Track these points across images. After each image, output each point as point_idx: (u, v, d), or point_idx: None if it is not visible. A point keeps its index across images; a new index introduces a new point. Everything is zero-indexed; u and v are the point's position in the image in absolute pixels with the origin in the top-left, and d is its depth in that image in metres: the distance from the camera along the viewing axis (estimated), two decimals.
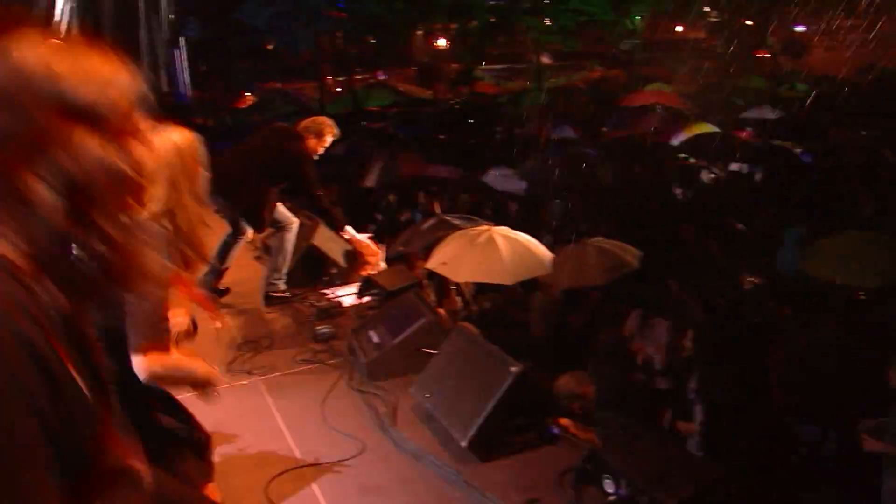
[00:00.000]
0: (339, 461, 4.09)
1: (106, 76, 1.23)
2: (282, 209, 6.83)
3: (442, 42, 40.68)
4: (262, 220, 6.53)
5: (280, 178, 6.53)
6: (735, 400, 6.45)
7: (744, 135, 15.64)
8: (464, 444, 3.88)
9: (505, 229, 7.69)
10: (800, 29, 42.43)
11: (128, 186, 1.26)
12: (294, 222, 6.86)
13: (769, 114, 19.11)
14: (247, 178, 6.35)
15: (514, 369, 3.95)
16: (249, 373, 5.29)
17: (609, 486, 3.34)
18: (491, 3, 29.33)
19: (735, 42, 34.59)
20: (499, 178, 12.15)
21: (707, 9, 35.11)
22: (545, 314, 8.27)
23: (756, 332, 7.43)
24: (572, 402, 5.03)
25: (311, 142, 6.49)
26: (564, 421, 4.42)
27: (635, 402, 6.99)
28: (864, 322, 6.89)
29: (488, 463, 3.94)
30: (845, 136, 14.89)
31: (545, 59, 36.15)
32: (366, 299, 6.44)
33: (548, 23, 29.57)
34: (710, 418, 6.52)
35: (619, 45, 35.61)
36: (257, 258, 8.35)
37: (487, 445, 3.93)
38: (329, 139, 6.61)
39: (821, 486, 6.78)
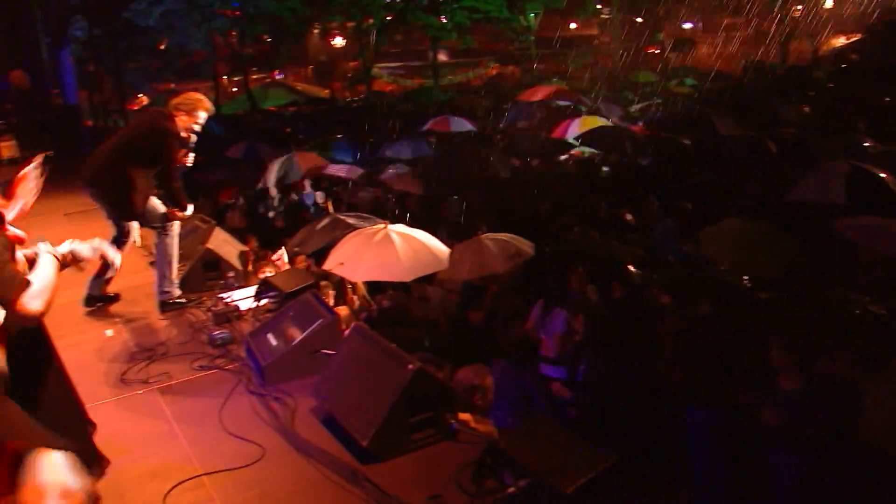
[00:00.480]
0: (239, 468, 4.02)
1: None
2: (157, 205, 6.58)
3: (339, 40, 40.48)
4: (132, 206, 6.26)
5: (146, 159, 6.25)
6: (623, 383, 6.65)
7: (636, 128, 16.05)
8: (364, 443, 3.86)
9: (401, 227, 7.73)
10: (687, 26, 43.87)
11: None
12: (173, 225, 6.64)
13: (659, 108, 19.66)
14: (114, 162, 6.13)
15: (411, 367, 3.95)
16: (144, 382, 5.14)
17: (508, 478, 3.39)
18: (387, 1, 29.31)
19: (626, 39, 35.51)
20: (397, 176, 12.16)
21: (599, 6, 35.86)
22: (444, 309, 8.35)
23: (644, 318, 7.68)
24: (473, 395, 5.09)
25: (182, 118, 6.29)
26: (464, 416, 4.45)
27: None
28: (746, 306, 7.18)
29: (390, 462, 3.94)
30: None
31: (442, 57, 36.34)
32: (263, 302, 6.33)
33: (443, 21, 29.72)
34: (600, 402, 6.72)
35: (514, 42, 36.06)
36: (152, 263, 8.12)
37: (388, 444, 3.92)
38: (202, 115, 6.38)
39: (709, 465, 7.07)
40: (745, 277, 8.09)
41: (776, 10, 34.23)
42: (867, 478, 5.70)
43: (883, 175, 9.34)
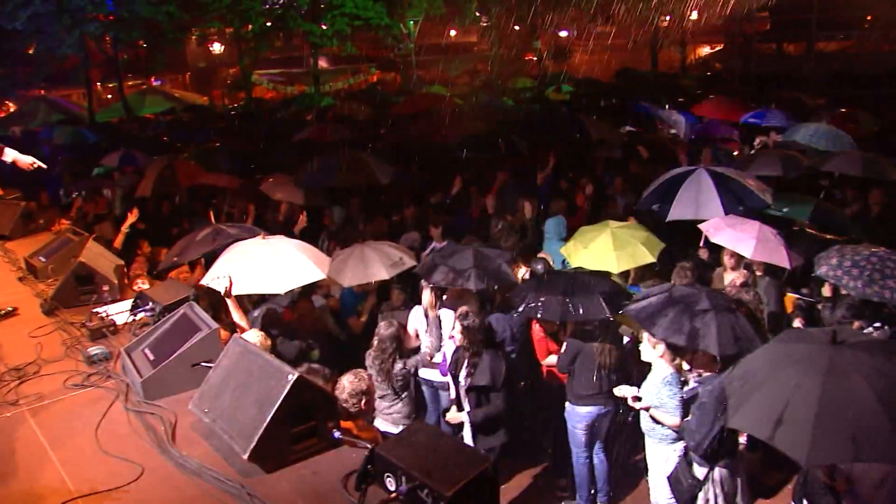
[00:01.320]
0: (117, 488, 3.92)
1: None
2: None
3: (217, 47, 39.69)
4: None
5: None
6: (502, 385, 6.82)
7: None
8: (245, 456, 3.84)
9: (279, 238, 7.70)
10: (563, 34, 45.03)
11: None
12: None
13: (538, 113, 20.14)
14: None
15: (290, 376, 3.95)
16: (14, 403, 4.95)
17: (391, 484, 3.44)
18: (266, 7, 28.93)
19: (505, 46, 36.18)
20: (277, 186, 12.03)
21: (478, 14, 36.41)
22: (325, 317, 8.35)
23: (524, 320, 7.88)
24: (356, 401, 5.12)
25: None
26: (347, 423, 4.49)
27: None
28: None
29: (273, 473, 3.93)
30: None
31: (322, 63, 36.13)
32: (140, 316, 6.20)
33: (323, 27, 29.58)
34: (480, 405, 6.87)
35: (395, 49, 36.22)
36: (20, 279, 7.83)
37: (270, 456, 3.91)
38: None
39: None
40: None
41: (646, 19, 35.51)
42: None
43: (741, 179, 9.83)
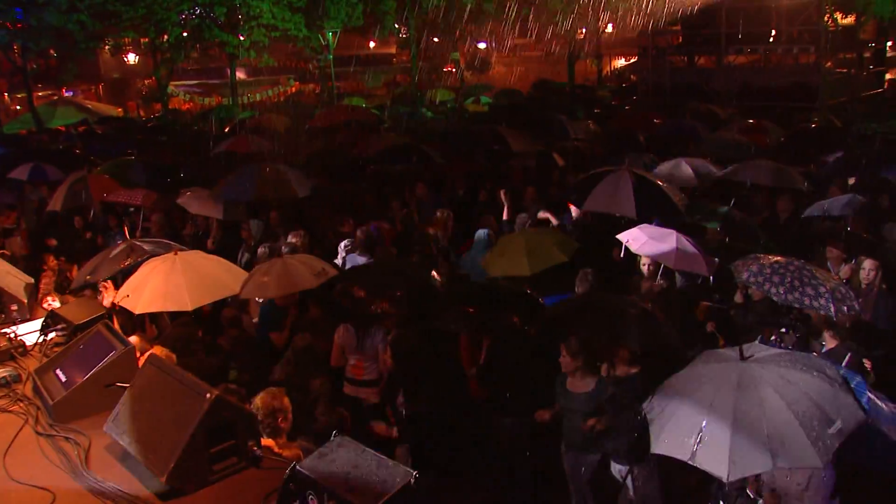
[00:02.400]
0: None
1: None
2: None
3: (132, 57, 38.81)
4: None
5: None
6: (435, 403, 6.84)
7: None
8: (163, 479, 3.76)
9: (193, 254, 7.59)
10: (482, 46, 45.49)
11: None
12: None
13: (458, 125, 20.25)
14: None
15: (208, 395, 3.89)
16: None
17: (313, 502, 3.40)
18: (182, 17, 28.40)
19: (424, 58, 36.31)
20: (194, 200, 11.81)
21: (397, 26, 36.48)
22: (245, 334, 8.24)
23: (447, 337, 7.90)
24: (272, 420, 5.06)
25: None
26: (267, 441, 4.43)
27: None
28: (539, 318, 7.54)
29: (191, 495, 3.85)
30: None
31: (240, 75, 35.69)
32: (51, 335, 6.00)
33: (241, 38, 29.22)
34: (413, 422, 6.87)
35: (313, 61, 36.00)
36: None
37: (189, 477, 3.83)
38: None
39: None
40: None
41: (563, 32, 36.10)
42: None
43: (661, 184, 10.10)
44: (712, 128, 16.99)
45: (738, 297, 8.57)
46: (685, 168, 11.73)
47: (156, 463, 3.87)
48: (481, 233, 10.57)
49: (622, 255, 9.70)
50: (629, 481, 6.18)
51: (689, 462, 4.34)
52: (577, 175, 12.70)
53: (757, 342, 7.50)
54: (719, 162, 12.99)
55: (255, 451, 4.05)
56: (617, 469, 6.27)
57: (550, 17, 34.23)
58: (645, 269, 9.00)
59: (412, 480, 3.31)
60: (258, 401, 5.12)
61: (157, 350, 6.01)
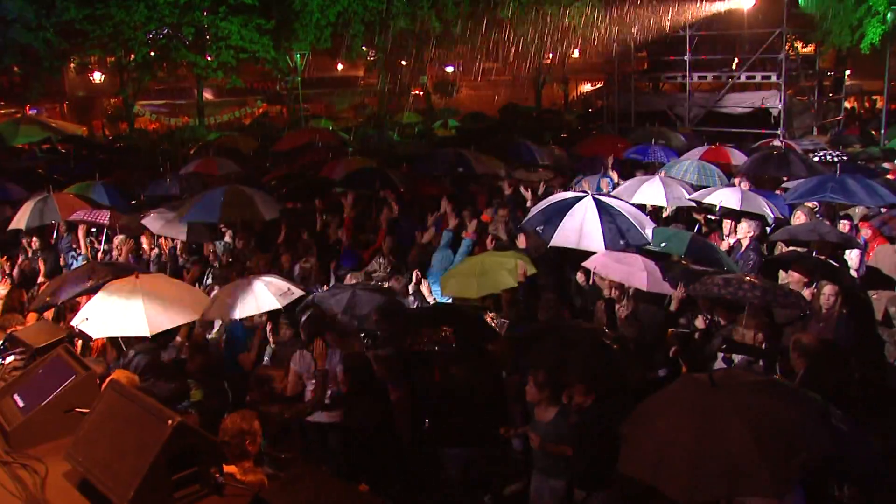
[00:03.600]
0: None
1: None
2: None
3: (98, 76, 38.49)
4: None
5: None
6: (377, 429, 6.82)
7: (403, 168, 16.50)
8: None
9: (154, 277, 7.52)
10: (449, 69, 45.76)
11: None
12: None
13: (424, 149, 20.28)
14: None
15: (170, 421, 3.83)
16: None
17: None
18: (149, 36, 28.26)
19: (392, 80, 36.43)
20: (159, 221, 11.72)
21: (365, 48, 36.57)
22: (211, 358, 8.16)
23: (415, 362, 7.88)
24: (242, 440, 4.99)
25: None
26: (230, 468, 4.37)
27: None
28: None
29: None
30: None
31: (207, 95, 35.56)
32: (9, 359, 5.88)
33: (209, 59, 29.13)
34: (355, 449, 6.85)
35: (281, 82, 35.97)
36: None
37: None
38: None
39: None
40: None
41: (530, 57, 36.44)
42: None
43: (625, 213, 10.17)
44: (677, 153, 17.17)
45: (699, 323, 8.66)
46: (657, 187, 11.89)
47: (116, 490, 3.80)
48: (439, 255, 10.62)
49: (590, 281, 9.78)
50: None
51: (651, 483, 4.36)
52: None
53: (722, 365, 7.66)
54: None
55: (218, 478, 4.00)
56: (580, 495, 6.31)
57: (518, 41, 34.55)
58: (613, 293, 9.05)
59: None
60: (228, 422, 5.06)
61: (119, 374, 5.92)
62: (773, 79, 24.05)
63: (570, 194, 10.69)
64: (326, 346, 7.33)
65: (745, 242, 10.90)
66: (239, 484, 4.08)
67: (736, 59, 26.25)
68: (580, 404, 6.37)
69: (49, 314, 8.58)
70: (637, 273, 8.76)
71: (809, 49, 28.42)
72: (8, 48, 25.66)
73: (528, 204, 13.02)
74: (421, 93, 43.51)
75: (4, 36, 25.13)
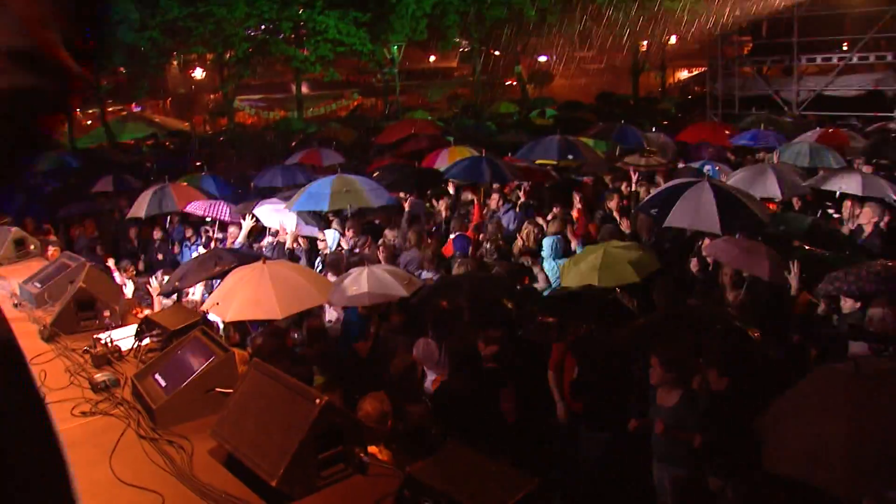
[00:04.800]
0: None
1: None
2: None
3: (199, 72, 39.58)
4: None
5: None
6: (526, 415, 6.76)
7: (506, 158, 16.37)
8: (273, 483, 3.73)
9: (279, 263, 7.61)
10: (543, 59, 45.41)
11: None
12: None
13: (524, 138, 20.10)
14: None
15: (318, 401, 3.86)
16: None
17: None
18: (249, 33, 28.91)
19: (486, 71, 36.37)
20: (270, 210, 11.93)
21: (458, 39, 36.62)
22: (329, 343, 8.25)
23: (532, 348, 7.81)
24: (385, 422, 5.02)
25: None
26: (373, 448, 4.39)
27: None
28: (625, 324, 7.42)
29: (300, 500, 3.82)
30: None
31: (304, 89, 36.13)
32: (146, 341, 6.05)
33: (306, 53, 29.62)
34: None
35: (378, 75, 36.29)
36: (16, 305, 7.66)
37: (298, 482, 3.79)
38: None
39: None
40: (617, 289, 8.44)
41: (626, 44, 35.88)
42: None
43: (742, 198, 9.89)
44: (788, 137, 16.61)
45: (821, 309, 8.34)
46: (770, 178, 11.45)
47: (265, 468, 3.84)
48: (549, 240, 10.49)
49: (701, 268, 9.54)
50: (727, 496, 6.02)
51: (804, 479, 4.19)
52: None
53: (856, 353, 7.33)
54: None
55: (362, 457, 4.01)
56: (715, 484, 6.12)
57: (613, 29, 34.06)
58: (727, 279, 8.81)
59: (535, 487, 3.23)
60: (367, 406, 5.09)
61: (240, 356, 6.01)
62: (889, 59, 23.07)
63: (684, 179, 10.44)
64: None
65: (867, 228, 10.46)
66: (382, 464, 4.07)
67: (845, 41, 25.28)
68: (713, 389, 6.18)
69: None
70: (760, 261, 8.48)
71: None
72: (116, 49, 26.56)
73: (634, 188, 12.81)
74: (515, 83, 43.30)
75: (112, 37, 26.01)
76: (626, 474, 7.27)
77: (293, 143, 24.17)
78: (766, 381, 6.28)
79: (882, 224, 10.29)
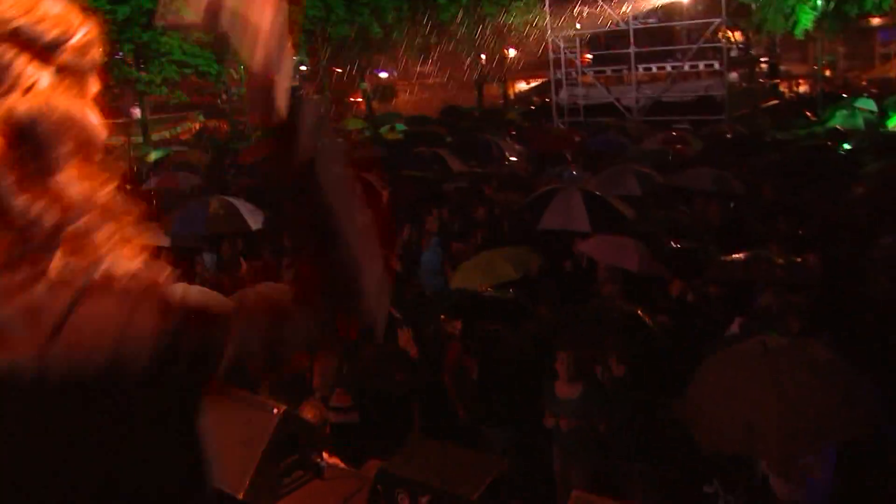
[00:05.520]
0: None
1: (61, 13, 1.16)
2: None
3: None
4: None
5: None
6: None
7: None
8: (240, 496, 3.81)
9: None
10: (383, 75, 45.86)
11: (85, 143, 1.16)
12: None
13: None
14: None
15: (276, 411, 3.97)
16: None
17: (404, 500, 3.52)
18: None
19: (331, 87, 36.43)
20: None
21: (297, 57, 36.45)
22: None
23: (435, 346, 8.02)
24: (321, 430, 5.13)
25: None
26: (327, 455, 4.51)
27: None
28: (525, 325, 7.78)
29: None
30: None
31: (147, 113, 35.02)
32: None
33: (147, 75, 28.77)
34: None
35: (223, 95, 35.63)
36: None
37: (263, 492, 3.90)
38: None
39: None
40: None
41: (467, 58, 36.84)
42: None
43: (607, 197, 10.55)
44: (635, 141, 17.67)
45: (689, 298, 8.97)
46: (630, 178, 12.22)
47: (230, 482, 3.91)
48: (429, 254, 10.81)
49: (574, 267, 10.08)
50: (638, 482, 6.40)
51: (742, 454, 4.63)
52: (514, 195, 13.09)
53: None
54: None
55: (319, 462, 4.14)
56: (622, 471, 6.48)
57: (455, 43, 34.85)
58: (604, 274, 9.33)
59: (504, 469, 3.47)
60: (308, 413, 5.20)
61: None
62: (716, 67, 24.88)
63: (551, 187, 11.03)
64: None
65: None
66: (337, 467, 4.22)
67: (677, 51, 27.08)
68: (614, 376, 6.57)
69: None
70: (629, 255, 9.02)
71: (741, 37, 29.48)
72: None
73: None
74: (361, 99, 43.49)
75: None
76: (529, 469, 7.59)
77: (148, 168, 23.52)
78: (660, 363, 6.77)
79: None
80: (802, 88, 36.08)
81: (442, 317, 7.58)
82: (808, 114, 25.55)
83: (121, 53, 28.01)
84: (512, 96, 48.74)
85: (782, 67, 34.43)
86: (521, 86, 52.32)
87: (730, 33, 29.63)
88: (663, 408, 6.10)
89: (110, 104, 34.30)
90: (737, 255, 8.09)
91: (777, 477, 5.06)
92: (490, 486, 3.35)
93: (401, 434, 6.93)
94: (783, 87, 34.78)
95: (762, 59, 30.36)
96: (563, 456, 6.90)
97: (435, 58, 40.04)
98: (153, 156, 27.31)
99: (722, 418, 4.75)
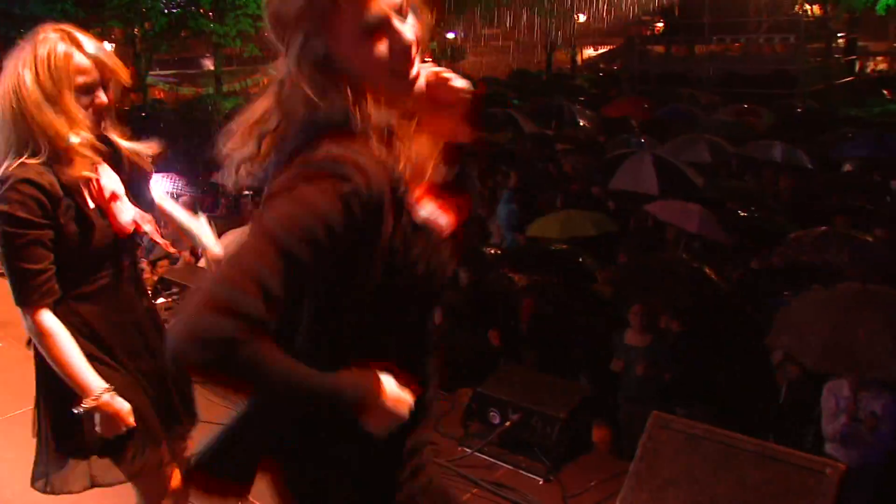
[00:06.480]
0: None
1: None
2: None
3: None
4: None
5: None
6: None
7: None
8: None
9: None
10: (451, 36, 45.88)
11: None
12: None
13: None
14: None
15: None
16: None
17: (495, 418, 3.89)
18: (166, 7, 28.36)
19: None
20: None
21: None
22: None
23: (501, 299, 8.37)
24: None
25: None
26: None
27: None
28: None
29: None
30: None
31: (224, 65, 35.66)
32: (160, 301, 6.35)
33: (225, 27, 29.25)
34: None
35: None
36: None
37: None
38: None
39: None
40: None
41: (536, 21, 36.69)
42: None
43: (678, 163, 10.79)
44: (706, 112, 17.68)
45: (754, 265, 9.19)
46: (701, 146, 12.38)
47: None
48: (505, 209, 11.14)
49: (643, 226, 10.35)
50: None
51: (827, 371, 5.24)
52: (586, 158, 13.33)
53: None
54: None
55: None
56: (681, 412, 6.81)
57: (525, 7, 34.71)
58: (672, 236, 9.62)
59: (587, 394, 3.83)
60: None
61: None
62: (791, 40, 24.54)
63: (627, 149, 11.30)
64: None
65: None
66: None
67: (752, 23, 26.70)
68: (671, 330, 6.90)
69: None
70: (691, 218, 9.29)
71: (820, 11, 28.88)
72: (26, 21, 25.74)
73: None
74: (431, 59, 43.58)
75: (23, 9, 25.21)
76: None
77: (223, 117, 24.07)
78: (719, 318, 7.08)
79: None
80: (881, 66, 35.33)
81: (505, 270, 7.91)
82: (886, 92, 25.09)
83: (197, 6, 28.50)
84: (580, 63, 48.39)
85: (860, 44, 33.63)
86: (590, 52, 51.90)
87: (808, 6, 29.14)
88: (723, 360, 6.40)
89: (182, 56, 35.01)
90: (809, 233, 8.25)
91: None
92: (576, 409, 3.72)
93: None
94: (861, 64, 34.03)
95: (840, 35, 29.70)
96: (627, 403, 7.26)
97: (505, 21, 39.90)
98: (227, 105, 27.85)
99: (826, 344, 5.17)
